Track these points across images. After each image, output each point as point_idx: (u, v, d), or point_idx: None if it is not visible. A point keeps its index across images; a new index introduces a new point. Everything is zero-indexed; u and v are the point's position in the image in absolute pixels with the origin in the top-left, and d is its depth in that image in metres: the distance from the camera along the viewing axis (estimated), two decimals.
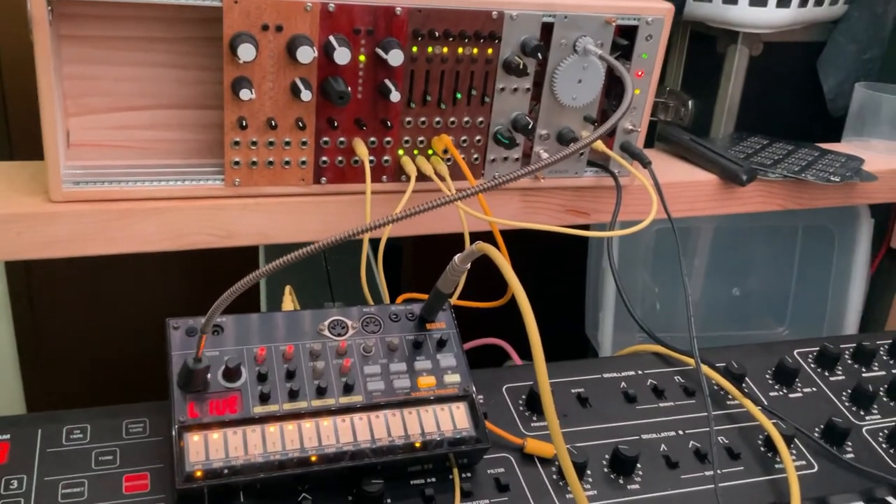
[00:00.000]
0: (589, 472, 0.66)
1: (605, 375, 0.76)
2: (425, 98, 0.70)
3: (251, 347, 0.62)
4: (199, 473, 0.56)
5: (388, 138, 0.71)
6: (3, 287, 1.50)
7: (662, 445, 0.69)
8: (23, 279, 1.51)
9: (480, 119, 0.73)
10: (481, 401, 0.70)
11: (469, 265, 0.62)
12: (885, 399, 0.79)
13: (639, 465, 0.66)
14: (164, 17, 0.69)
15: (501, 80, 0.72)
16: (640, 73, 0.77)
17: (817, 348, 0.82)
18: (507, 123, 0.74)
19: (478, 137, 0.73)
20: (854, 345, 0.84)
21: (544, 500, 0.63)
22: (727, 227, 1.14)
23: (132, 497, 0.58)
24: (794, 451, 0.71)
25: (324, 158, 0.70)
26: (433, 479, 0.63)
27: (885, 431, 0.75)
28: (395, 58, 0.66)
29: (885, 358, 0.84)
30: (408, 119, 0.70)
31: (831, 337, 0.92)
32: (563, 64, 0.73)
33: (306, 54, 0.63)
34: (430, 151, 0.72)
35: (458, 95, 0.71)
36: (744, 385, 0.77)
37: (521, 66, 0.70)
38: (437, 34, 0.67)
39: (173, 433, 0.57)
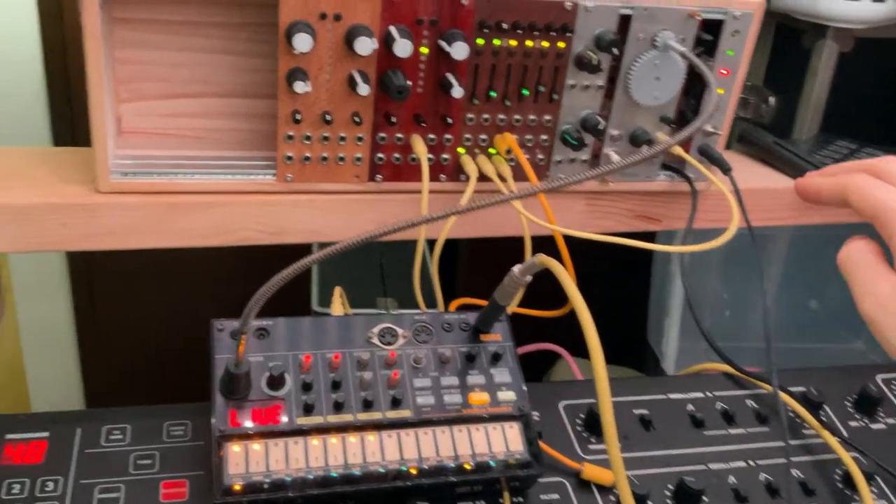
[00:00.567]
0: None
1: (671, 396, 0.71)
2: (489, 94, 0.66)
3: (297, 354, 0.59)
4: (237, 487, 0.53)
5: (449, 136, 0.67)
6: (64, 275, 1.51)
7: (731, 477, 0.64)
8: (83, 267, 1.52)
9: (547, 117, 0.68)
10: (536, 417, 0.66)
11: (530, 278, 0.58)
12: None
13: (705, 499, 0.62)
14: (219, 0, 0.66)
15: (572, 76, 0.67)
16: (724, 72, 0.71)
17: None
18: (576, 123, 0.69)
19: (544, 137, 0.69)
20: None
21: None
22: (804, 236, 1.08)
23: None
24: (874, 490, 0.65)
25: (380, 155, 0.66)
26: (481, 503, 0.59)
27: None
28: (460, 51, 0.61)
29: None
30: (470, 116, 0.66)
31: None
32: (641, 60, 0.67)
33: (365, 46, 0.60)
34: (492, 150, 0.68)
35: (525, 92, 0.66)
36: (821, 413, 0.71)
37: (594, 62, 0.65)
38: (505, 26, 0.63)
39: (213, 443, 0.55)
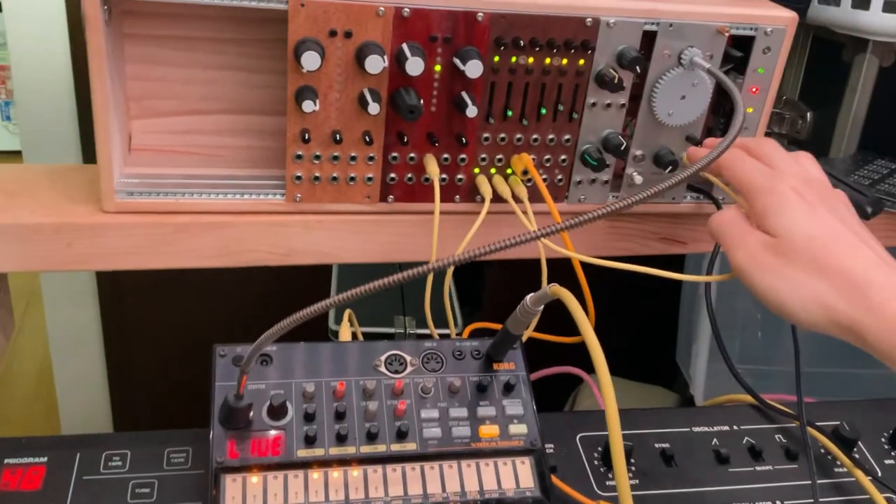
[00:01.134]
0: None
1: (695, 430, 0.67)
2: (506, 113, 0.63)
3: (300, 382, 0.57)
4: None
5: (463, 155, 0.64)
6: (92, 283, 1.52)
7: None
8: (110, 275, 1.52)
9: (567, 137, 0.65)
10: (551, 450, 0.63)
11: (542, 307, 0.56)
12: None
13: None
14: (232, 16, 0.65)
15: (593, 94, 0.64)
16: (754, 90, 0.68)
17: None
18: (597, 142, 0.66)
19: (563, 157, 0.66)
20: None
21: None
22: None
23: None
24: None
25: (392, 175, 0.64)
26: None
27: None
28: (474, 69, 0.59)
29: None
30: (485, 135, 0.64)
31: None
32: (666, 78, 0.65)
33: (376, 64, 0.58)
34: (508, 171, 0.66)
35: (543, 111, 0.64)
36: (855, 450, 0.67)
37: (616, 80, 0.63)
38: (521, 43, 0.60)
39: (210, 475, 0.53)
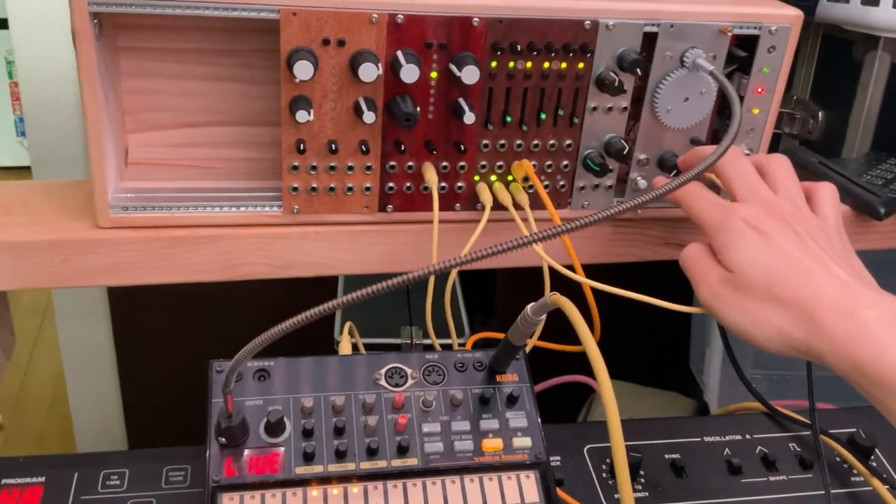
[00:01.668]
0: None
1: (706, 439, 0.66)
2: (505, 119, 0.62)
3: (298, 397, 0.56)
4: None
5: (462, 163, 0.63)
6: (103, 296, 1.52)
7: None
8: (122, 288, 1.52)
9: (568, 142, 0.64)
10: (558, 462, 0.62)
11: (544, 317, 0.54)
12: None
13: None
14: (226, 27, 0.64)
15: (594, 98, 0.63)
16: (760, 91, 0.66)
17: None
18: (600, 147, 0.65)
19: (565, 163, 0.65)
20: None
21: None
22: None
23: None
24: None
25: (390, 185, 0.63)
26: None
27: None
28: (471, 75, 0.58)
29: None
30: (485, 142, 0.63)
31: None
32: (668, 80, 0.63)
33: (370, 72, 0.57)
34: (509, 178, 0.64)
35: (543, 116, 0.62)
36: (872, 459, 0.65)
37: (616, 83, 0.61)
38: (519, 47, 0.59)
39: (206, 494, 0.52)
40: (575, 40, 0.60)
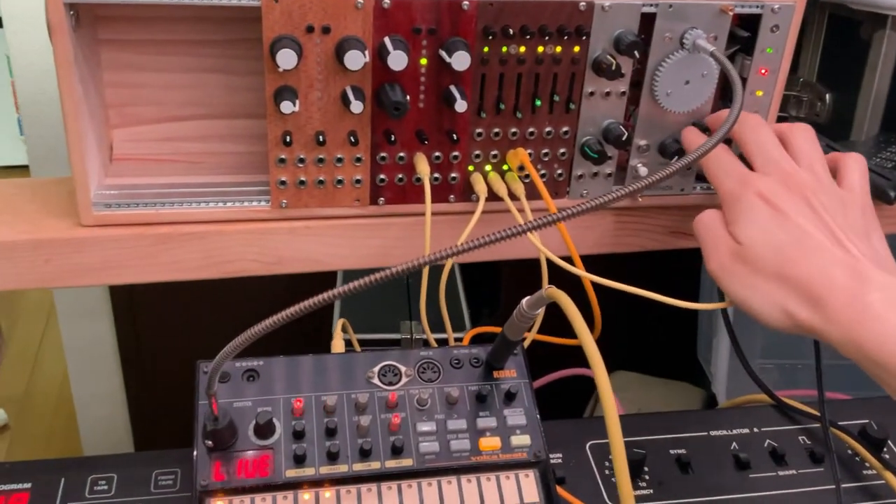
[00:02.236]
0: None
1: (713, 433, 0.64)
2: (498, 106, 0.60)
3: (288, 397, 0.55)
4: None
5: (456, 153, 0.61)
6: (105, 294, 1.51)
7: None
8: (123, 289, 1.50)
9: (565, 129, 0.62)
10: (559, 460, 0.60)
11: (541, 311, 0.52)
12: None
13: None
14: (209, 17, 0.62)
15: (590, 82, 0.61)
16: (763, 72, 0.64)
17: None
18: (598, 133, 0.63)
19: (562, 150, 0.63)
20: None
21: None
22: None
23: None
24: None
25: (381, 176, 0.61)
26: None
27: None
28: (461, 61, 0.56)
29: None
30: (478, 130, 0.61)
31: None
32: (667, 62, 0.61)
33: (356, 60, 0.55)
34: (504, 167, 0.62)
35: (538, 102, 0.60)
36: (885, 451, 0.63)
37: (613, 67, 0.59)
38: (511, 31, 0.57)
39: (193, 499, 0.50)
40: (570, 23, 0.58)
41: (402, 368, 0.57)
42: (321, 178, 0.60)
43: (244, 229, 0.61)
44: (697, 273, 1.07)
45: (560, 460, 0.60)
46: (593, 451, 0.62)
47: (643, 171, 0.65)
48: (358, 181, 0.61)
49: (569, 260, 0.62)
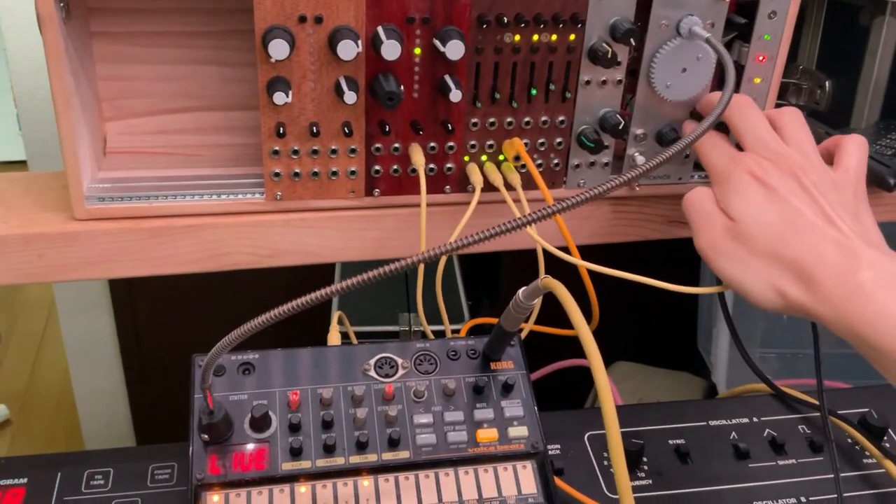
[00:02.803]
0: None
1: (712, 423, 0.63)
2: (494, 95, 0.59)
3: (284, 390, 0.54)
4: None
5: (451, 143, 0.61)
6: (105, 289, 1.51)
7: None
8: (123, 280, 1.50)
9: (561, 118, 0.61)
10: (557, 451, 0.60)
11: (537, 301, 0.52)
12: None
13: None
14: (201, 7, 0.62)
15: (586, 71, 0.60)
16: (761, 59, 0.63)
17: None
18: (594, 122, 0.62)
19: (558, 140, 0.62)
20: None
21: None
22: None
23: None
24: None
25: (376, 168, 0.61)
26: None
27: None
28: (456, 50, 0.55)
29: None
30: (473, 120, 0.60)
31: None
32: (664, 50, 0.60)
33: (349, 49, 0.54)
34: (500, 157, 0.62)
35: (534, 91, 0.60)
36: (885, 440, 0.63)
37: (609, 55, 0.59)
38: (506, 20, 0.57)
39: (190, 492, 0.50)
40: (565, 10, 0.57)
41: (399, 360, 0.57)
42: (315, 170, 0.60)
43: (239, 222, 0.61)
44: (697, 263, 1.07)
45: (558, 451, 0.60)
46: (592, 442, 0.61)
47: (640, 160, 0.64)
48: (353, 172, 0.60)
49: (566, 250, 0.61)
